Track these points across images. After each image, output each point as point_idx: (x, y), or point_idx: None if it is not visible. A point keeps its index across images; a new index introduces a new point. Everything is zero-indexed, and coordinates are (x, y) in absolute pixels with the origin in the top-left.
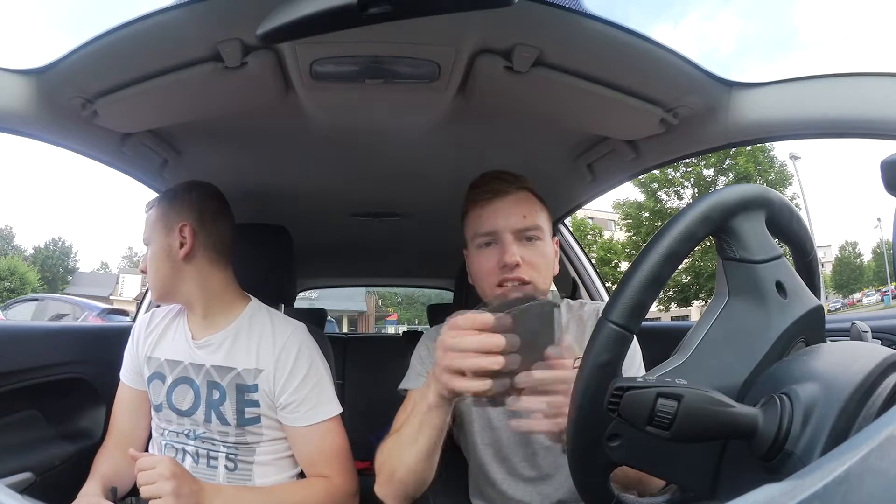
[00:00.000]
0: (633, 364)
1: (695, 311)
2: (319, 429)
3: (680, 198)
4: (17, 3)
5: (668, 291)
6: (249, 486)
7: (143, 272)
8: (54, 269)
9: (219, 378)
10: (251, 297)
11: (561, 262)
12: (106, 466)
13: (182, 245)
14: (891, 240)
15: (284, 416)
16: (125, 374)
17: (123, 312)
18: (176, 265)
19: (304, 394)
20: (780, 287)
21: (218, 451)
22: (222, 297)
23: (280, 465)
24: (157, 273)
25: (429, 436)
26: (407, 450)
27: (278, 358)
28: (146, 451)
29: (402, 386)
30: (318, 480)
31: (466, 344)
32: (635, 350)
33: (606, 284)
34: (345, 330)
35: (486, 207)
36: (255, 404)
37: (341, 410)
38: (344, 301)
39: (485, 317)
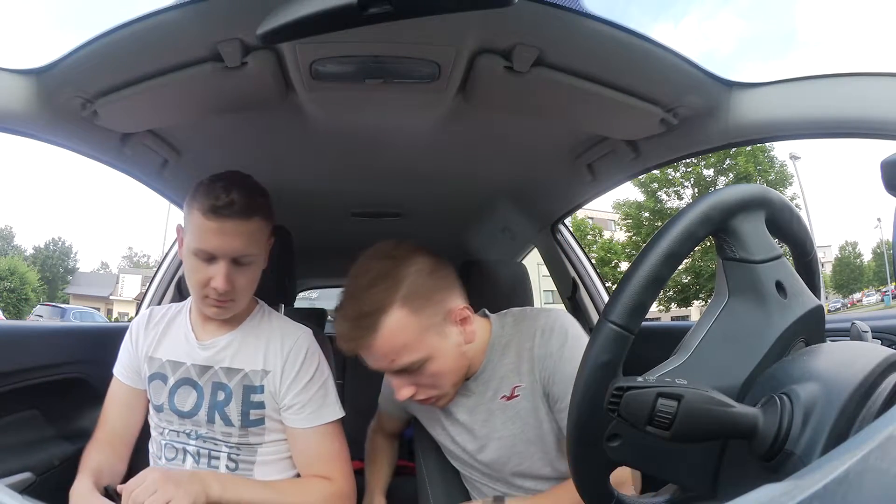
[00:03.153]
0: None
1: (695, 311)
2: (322, 431)
3: (680, 198)
4: (17, 3)
5: (668, 291)
6: (250, 478)
7: (228, 287)
8: (54, 269)
9: (226, 380)
10: (258, 300)
11: (561, 263)
12: (95, 461)
13: (266, 257)
14: (891, 240)
15: (288, 416)
16: (120, 371)
17: None
18: (259, 276)
19: (310, 395)
20: (780, 287)
21: (220, 451)
22: None
23: (281, 465)
24: (253, 288)
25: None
26: None
27: (286, 360)
28: (148, 449)
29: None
30: (317, 480)
31: None
32: None
33: (606, 284)
34: None
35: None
36: (261, 406)
37: (343, 414)
38: None
39: None
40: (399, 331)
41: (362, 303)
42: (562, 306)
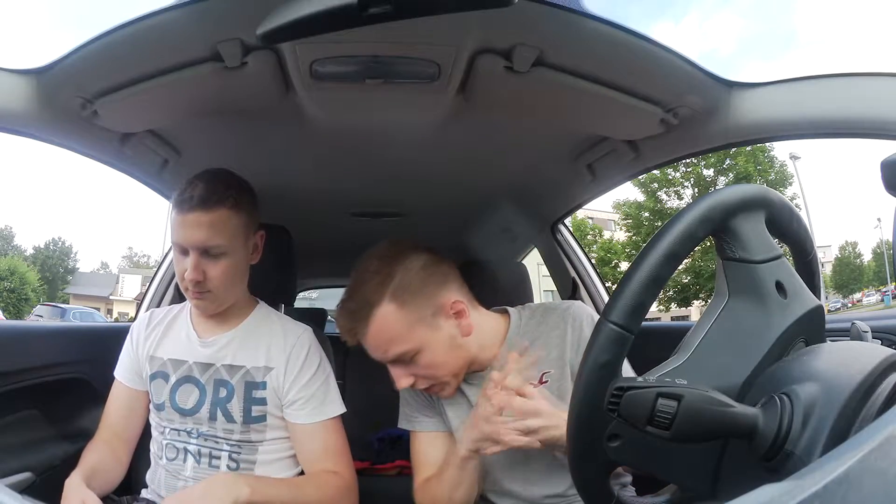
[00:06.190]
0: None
1: (695, 311)
2: (325, 426)
3: (680, 198)
4: (17, 3)
5: (668, 291)
6: (271, 477)
7: (199, 277)
8: (54, 269)
9: (228, 377)
10: (258, 299)
11: (561, 263)
12: (90, 460)
13: (253, 251)
14: (891, 240)
15: (291, 413)
16: (121, 373)
17: None
18: (246, 273)
19: (313, 391)
20: (780, 287)
21: (221, 450)
22: (240, 298)
23: (282, 464)
24: (236, 285)
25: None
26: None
27: (289, 356)
28: (148, 449)
29: (400, 426)
30: (327, 474)
31: None
32: None
33: (606, 284)
34: None
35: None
36: (263, 402)
37: (345, 410)
38: None
39: None
40: (388, 323)
41: (357, 297)
42: None
